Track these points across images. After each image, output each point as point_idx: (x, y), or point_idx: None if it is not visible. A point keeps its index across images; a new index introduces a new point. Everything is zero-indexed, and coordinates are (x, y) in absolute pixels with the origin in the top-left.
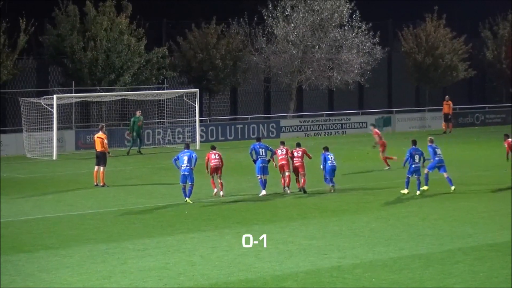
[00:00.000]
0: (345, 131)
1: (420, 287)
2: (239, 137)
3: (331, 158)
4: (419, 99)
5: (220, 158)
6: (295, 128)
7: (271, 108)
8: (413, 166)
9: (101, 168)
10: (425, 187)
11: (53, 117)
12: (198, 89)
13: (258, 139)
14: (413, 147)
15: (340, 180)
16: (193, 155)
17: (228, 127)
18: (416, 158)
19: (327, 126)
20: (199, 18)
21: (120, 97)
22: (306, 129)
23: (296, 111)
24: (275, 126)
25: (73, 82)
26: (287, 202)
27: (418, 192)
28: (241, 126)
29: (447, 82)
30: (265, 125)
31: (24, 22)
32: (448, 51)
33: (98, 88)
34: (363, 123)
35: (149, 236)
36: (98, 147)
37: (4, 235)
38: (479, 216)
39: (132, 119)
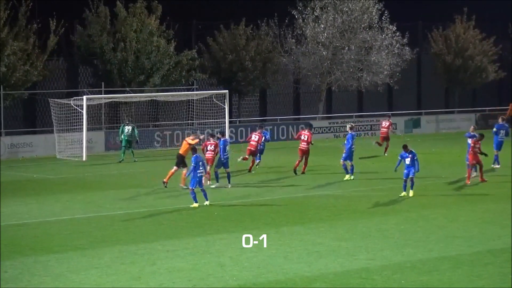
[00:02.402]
0: (374, 133)
1: None
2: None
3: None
4: (448, 100)
5: (216, 148)
6: (324, 130)
7: (301, 109)
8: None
9: (183, 169)
10: (347, 176)
11: (82, 118)
12: (227, 91)
13: (223, 134)
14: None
15: (369, 181)
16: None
17: (257, 128)
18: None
19: (356, 128)
20: (228, 19)
21: (150, 98)
22: (335, 131)
23: (326, 113)
24: (304, 128)
25: (102, 83)
26: (316, 203)
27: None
28: (271, 127)
29: (477, 84)
30: (294, 126)
31: (55, 23)
32: (478, 53)
33: (127, 89)
34: (393, 125)
35: (178, 237)
36: (182, 151)
37: (35, 235)
38: (508, 217)
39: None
